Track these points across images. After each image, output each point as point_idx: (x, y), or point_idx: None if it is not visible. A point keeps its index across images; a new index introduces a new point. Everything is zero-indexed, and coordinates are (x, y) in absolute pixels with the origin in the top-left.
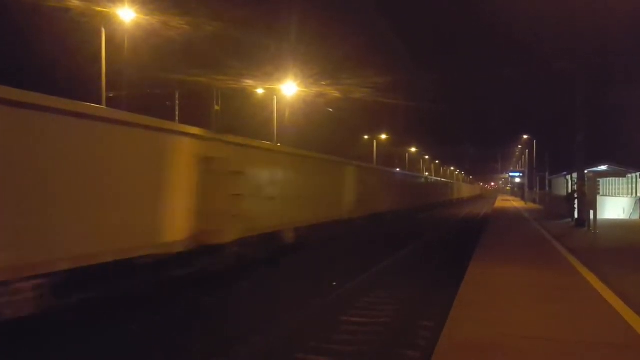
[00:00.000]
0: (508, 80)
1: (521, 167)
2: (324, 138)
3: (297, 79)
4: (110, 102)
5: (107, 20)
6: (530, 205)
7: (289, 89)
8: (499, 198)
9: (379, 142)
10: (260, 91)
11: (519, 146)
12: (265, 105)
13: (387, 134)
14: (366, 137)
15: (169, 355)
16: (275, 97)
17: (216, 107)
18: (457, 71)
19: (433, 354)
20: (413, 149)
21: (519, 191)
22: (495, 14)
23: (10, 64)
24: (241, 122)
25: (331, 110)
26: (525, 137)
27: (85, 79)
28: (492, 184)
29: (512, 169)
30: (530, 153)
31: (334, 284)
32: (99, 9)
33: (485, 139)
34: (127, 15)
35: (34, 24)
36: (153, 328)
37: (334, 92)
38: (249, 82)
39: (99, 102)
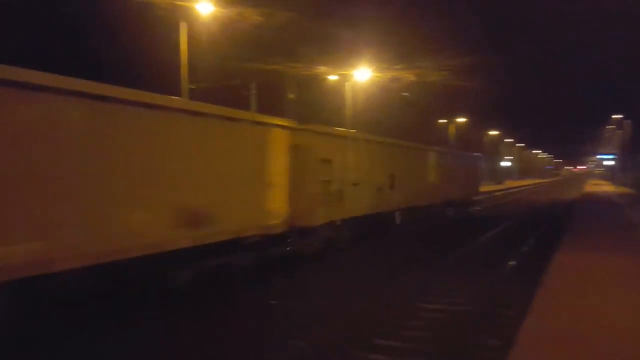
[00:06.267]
0: (599, 57)
1: (613, 149)
2: (397, 122)
3: (371, 64)
4: (192, 94)
5: (186, 14)
6: (622, 189)
7: (362, 75)
8: (589, 182)
9: (457, 126)
10: (333, 77)
11: (612, 127)
12: (339, 92)
13: (465, 117)
14: (442, 120)
15: None
16: (348, 83)
17: (290, 96)
18: (543, 49)
19: (514, 344)
20: (494, 132)
21: (609, 174)
22: None
23: (90, 59)
24: (315, 109)
25: (406, 94)
26: (617, 116)
27: (165, 72)
28: (583, 166)
29: (602, 151)
30: (624, 134)
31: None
32: (178, 2)
33: (574, 120)
34: (205, 9)
35: (114, 19)
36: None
37: (409, 76)
38: (322, 69)
39: (179, 94)
